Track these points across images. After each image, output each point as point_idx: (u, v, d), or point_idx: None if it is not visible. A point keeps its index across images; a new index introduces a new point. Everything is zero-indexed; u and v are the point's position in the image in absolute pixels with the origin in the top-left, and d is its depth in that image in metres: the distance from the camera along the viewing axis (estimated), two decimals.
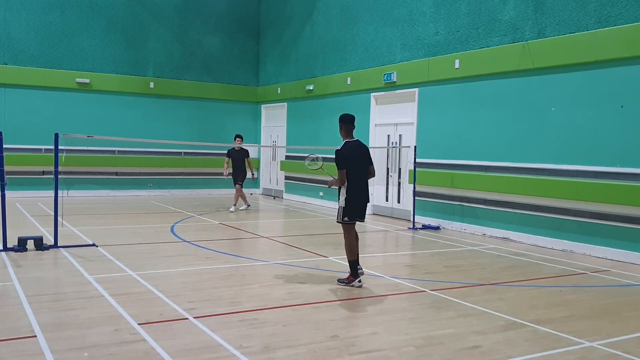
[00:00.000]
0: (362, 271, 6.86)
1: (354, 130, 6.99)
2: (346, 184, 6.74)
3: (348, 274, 6.89)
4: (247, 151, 14.37)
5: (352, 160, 6.72)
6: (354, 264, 6.79)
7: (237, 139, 14.27)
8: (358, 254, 6.86)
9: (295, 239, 10.25)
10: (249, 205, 14.55)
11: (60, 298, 5.98)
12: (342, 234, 6.91)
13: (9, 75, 15.75)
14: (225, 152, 14.70)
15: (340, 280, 6.87)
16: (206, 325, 5.08)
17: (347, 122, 6.91)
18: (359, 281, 6.75)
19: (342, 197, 6.79)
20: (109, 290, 6.19)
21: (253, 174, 14.37)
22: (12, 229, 9.40)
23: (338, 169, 6.71)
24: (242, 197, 14.28)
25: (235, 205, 14.20)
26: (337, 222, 6.90)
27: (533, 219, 10.22)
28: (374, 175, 7.04)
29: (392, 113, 13.84)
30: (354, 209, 6.81)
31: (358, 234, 7.06)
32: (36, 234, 9.15)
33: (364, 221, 7.12)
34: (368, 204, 7.01)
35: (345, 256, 6.89)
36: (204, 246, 9.07)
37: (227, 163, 14.33)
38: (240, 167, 14.15)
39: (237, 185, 14.06)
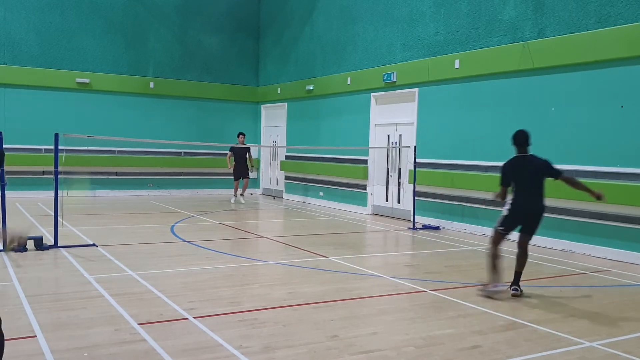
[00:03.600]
0: (519, 292, 6.46)
1: (527, 146, 6.67)
2: (511, 196, 6.67)
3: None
4: (248, 148, 16.10)
5: (513, 174, 6.67)
6: (516, 275, 6.51)
7: (240, 136, 15.97)
8: (522, 267, 6.58)
9: (295, 239, 10.24)
10: (236, 199, 15.94)
11: (60, 298, 5.98)
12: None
13: (9, 75, 15.74)
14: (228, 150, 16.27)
15: (484, 289, 6.45)
16: (206, 325, 5.07)
17: (516, 140, 6.69)
18: (496, 286, 6.36)
19: (506, 207, 6.68)
20: (109, 290, 6.19)
21: (252, 167, 16.25)
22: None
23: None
24: (243, 188, 15.92)
25: (242, 195, 15.84)
26: (493, 227, 6.75)
27: None
28: (571, 182, 6.68)
29: (392, 113, 13.84)
30: (514, 218, 6.56)
31: (502, 252, 6.65)
32: (36, 234, 9.14)
33: (528, 235, 6.57)
34: (528, 215, 6.55)
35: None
36: (204, 246, 9.07)
37: (229, 158, 16.02)
38: (243, 161, 15.88)
39: (245, 179, 15.81)
